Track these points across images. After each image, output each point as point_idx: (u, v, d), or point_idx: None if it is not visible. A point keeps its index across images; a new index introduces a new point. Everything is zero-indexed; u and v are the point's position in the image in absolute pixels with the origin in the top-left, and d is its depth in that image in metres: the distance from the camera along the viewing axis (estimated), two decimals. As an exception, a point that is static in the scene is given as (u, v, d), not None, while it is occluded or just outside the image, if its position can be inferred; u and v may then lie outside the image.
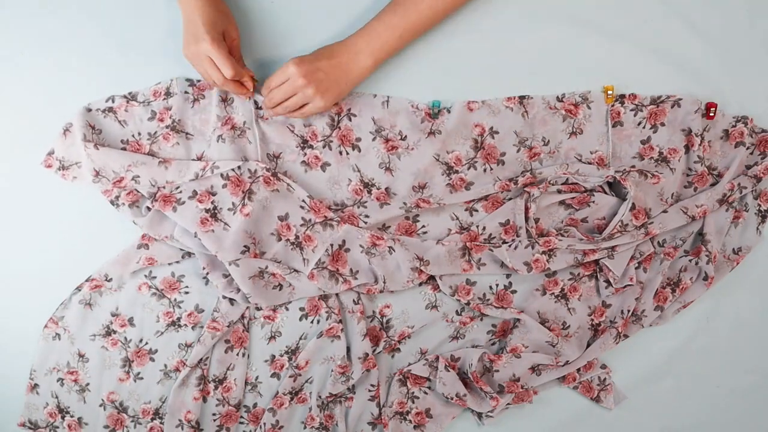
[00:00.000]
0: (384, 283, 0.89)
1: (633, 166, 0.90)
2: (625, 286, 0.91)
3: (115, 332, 0.91)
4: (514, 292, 0.94)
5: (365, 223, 0.89)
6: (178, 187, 0.87)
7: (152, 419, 0.92)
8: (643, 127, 0.91)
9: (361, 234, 0.89)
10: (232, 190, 0.87)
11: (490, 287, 0.94)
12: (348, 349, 0.91)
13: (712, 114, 0.91)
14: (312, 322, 0.92)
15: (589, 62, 0.92)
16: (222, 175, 0.87)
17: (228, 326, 0.90)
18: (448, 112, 0.90)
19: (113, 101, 0.89)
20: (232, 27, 0.83)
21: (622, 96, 0.91)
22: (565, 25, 0.91)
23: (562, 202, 0.92)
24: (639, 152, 0.92)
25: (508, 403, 0.92)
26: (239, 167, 0.88)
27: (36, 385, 0.91)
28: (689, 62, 0.92)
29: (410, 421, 0.93)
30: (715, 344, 0.96)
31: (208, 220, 0.87)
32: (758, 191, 0.93)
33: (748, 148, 0.92)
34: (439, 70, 0.91)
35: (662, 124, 0.91)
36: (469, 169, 0.91)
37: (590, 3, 0.91)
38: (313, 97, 0.83)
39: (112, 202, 0.88)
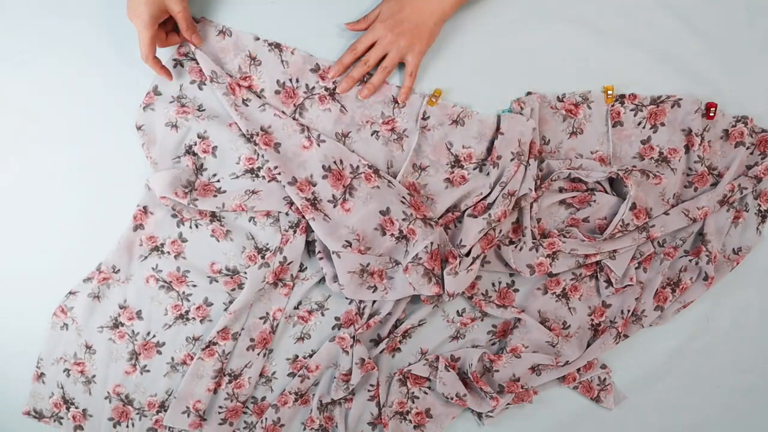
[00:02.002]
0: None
1: (634, 166, 0.90)
2: (625, 286, 0.91)
3: (122, 325, 0.90)
4: (516, 290, 0.94)
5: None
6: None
7: (158, 412, 0.91)
8: (643, 127, 0.91)
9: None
10: (332, 182, 0.86)
11: (493, 284, 0.94)
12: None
13: (712, 114, 0.91)
14: (344, 334, 0.91)
15: (589, 62, 0.92)
16: (324, 166, 0.86)
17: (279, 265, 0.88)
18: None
19: (290, 47, 0.87)
20: (174, 1, 0.80)
21: (622, 96, 0.91)
22: (565, 25, 0.91)
23: (563, 202, 0.92)
24: (639, 152, 0.92)
25: (508, 403, 0.92)
26: (341, 161, 0.86)
27: (42, 374, 0.91)
28: (689, 62, 0.92)
29: (410, 421, 0.93)
30: (715, 344, 0.96)
31: (308, 208, 0.86)
32: (758, 191, 0.93)
33: (748, 148, 0.92)
34: (439, 71, 0.91)
35: (662, 124, 0.91)
36: (475, 169, 0.90)
37: (590, 3, 0.92)
38: (409, 47, 0.85)
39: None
